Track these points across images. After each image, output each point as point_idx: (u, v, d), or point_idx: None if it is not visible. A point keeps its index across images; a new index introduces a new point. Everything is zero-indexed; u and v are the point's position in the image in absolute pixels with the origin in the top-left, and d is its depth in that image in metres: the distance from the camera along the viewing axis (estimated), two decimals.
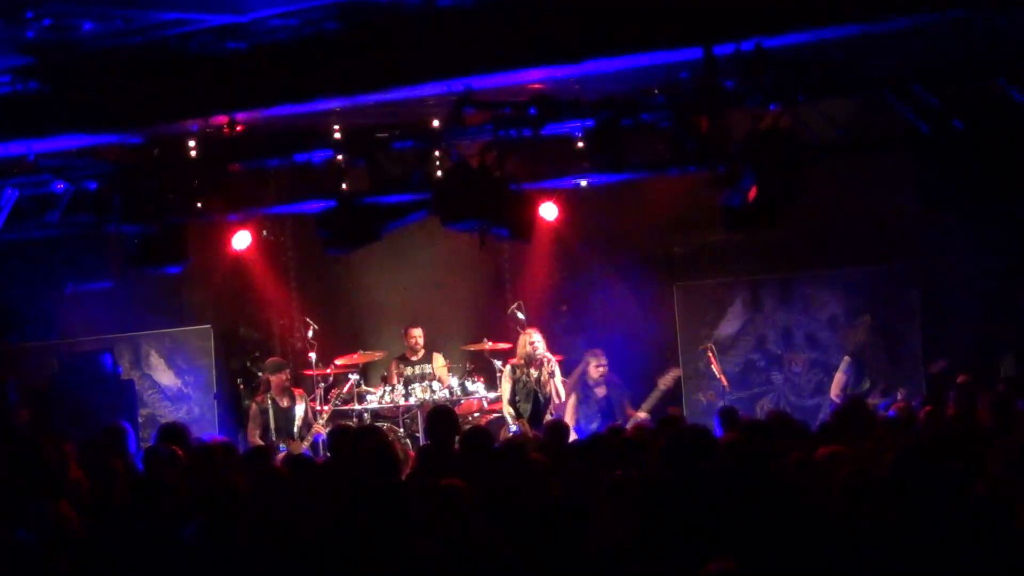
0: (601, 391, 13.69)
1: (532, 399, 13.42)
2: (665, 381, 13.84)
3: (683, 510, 6.11)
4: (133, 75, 9.74)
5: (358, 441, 8.38)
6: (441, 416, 8.96)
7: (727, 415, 9.64)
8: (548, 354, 13.49)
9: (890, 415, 10.35)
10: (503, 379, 13.80)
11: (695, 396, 14.55)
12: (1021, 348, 13.51)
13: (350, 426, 12.31)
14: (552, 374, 13.41)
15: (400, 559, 6.14)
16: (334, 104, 10.29)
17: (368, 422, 14.16)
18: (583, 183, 12.15)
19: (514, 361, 13.74)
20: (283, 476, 7.41)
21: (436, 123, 10.82)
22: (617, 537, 6.09)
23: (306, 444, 13.28)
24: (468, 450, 8.17)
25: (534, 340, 13.55)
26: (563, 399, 13.52)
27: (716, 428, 9.39)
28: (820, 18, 8.03)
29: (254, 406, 13.64)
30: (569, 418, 13.45)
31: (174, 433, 9.76)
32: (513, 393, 13.58)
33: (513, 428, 13.18)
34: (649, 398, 13.67)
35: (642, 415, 13.18)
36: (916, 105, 9.64)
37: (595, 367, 13.67)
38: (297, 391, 13.78)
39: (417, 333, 14.97)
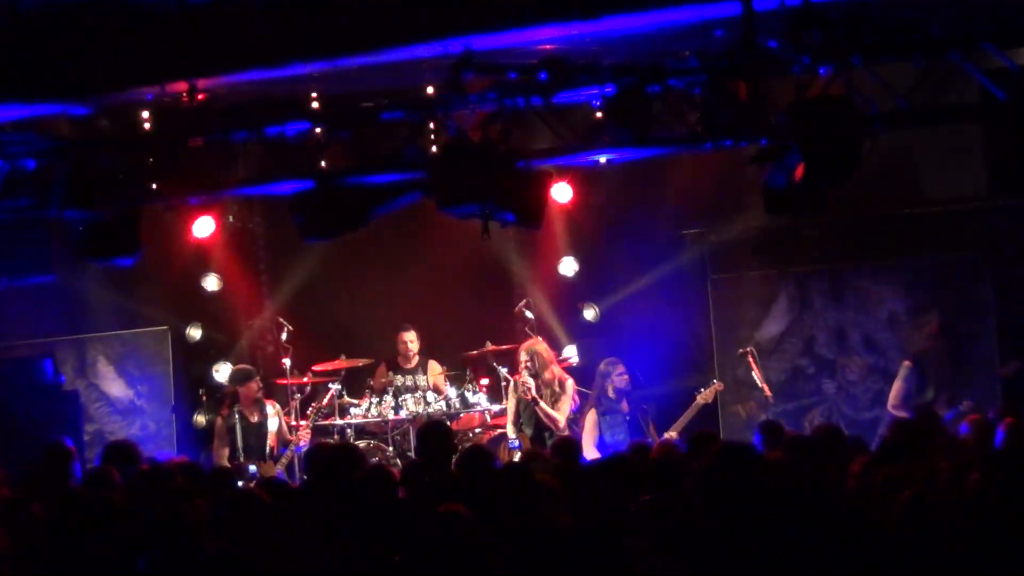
0: (625, 405, 13.64)
1: (534, 420, 13.39)
2: (705, 396, 13.73)
3: (724, 539, 6.13)
4: (79, 37, 9.75)
5: (339, 462, 8.39)
6: (434, 432, 8.96)
7: (770, 430, 9.62)
8: (528, 379, 13.33)
9: (962, 430, 10.33)
10: (509, 394, 13.76)
11: (733, 408, 14.55)
12: None
13: (328, 444, 12.34)
14: (534, 400, 13.27)
15: None
16: (312, 69, 10.29)
17: (351, 439, 14.18)
18: (602, 160, 12.14)
19: (518, 376, 13.67)
20: (253, 502, 7.43)
21: (431, 90, 10.82)
22: (646, 571, 6.10)
23: (280, 466, 13.28)
24: (465, 474, 8.19)
25: (524, 356, 13.49)
26: (560, 426, 13.30)
27: (757, 445, 9.39)
28: None
29: (220, 421, 13.64)
30: (590, 433, 13.41)
31: (122, 452, 9.76)
32: (518, 413, 13.49)
33: (514, 444, 13.17)
34: (682, 416, 13.57)
35: (672, 435, 13.16)
36: (988, 69, 9.64)
37: (618, 376, 13.60)
38: (269, 402, 13.78)
39: (409, 337, 14.98)
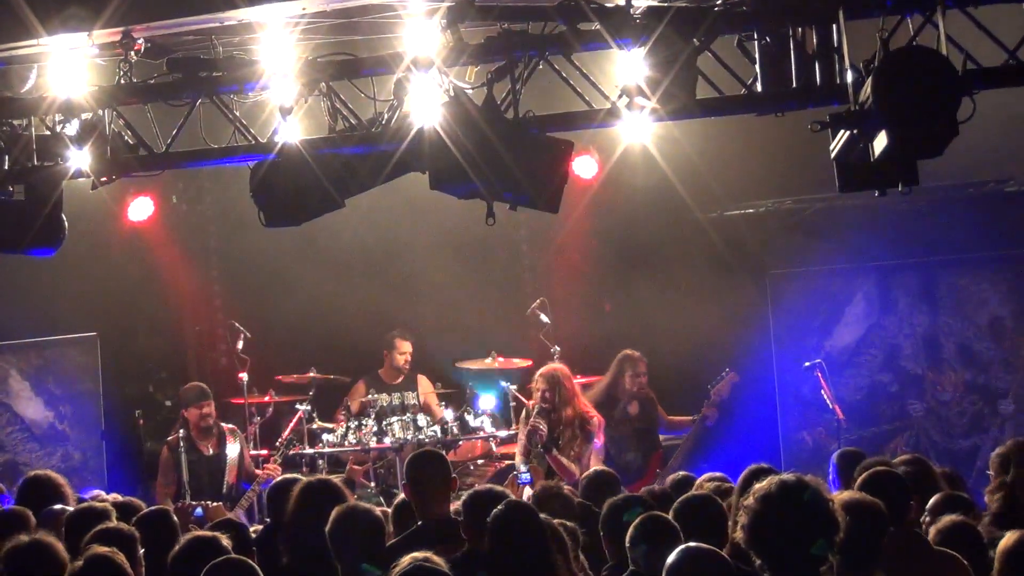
0: (634, 408, 13.56)
1: (547, 462, 13.24)
2: (719, 391, 13.63)
3: None
4: None
5: (314, 501, 8.40)
6: (427, 464, 8.97)
7: (850, 460, 9.51)
8: (541, 423, 13.14)
9: None
10: (520, 422, 13.66)
11: (797, 435, 14.54)
12: None
13: (298, 479, 12.33)
14: (547, 449, 13.10)
15: None
16: (275, 13, 10.29)
17: (323, 471, 14.17)
18: (635, 126, 12.14)
19: (533, 403, 13.52)
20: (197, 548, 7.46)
21: (423, 41, 10.81)
22: None
23: (241, 508, 13.25)
24: (471, 521, 8.19)
25: (542, 383, 13.33)
26: (577, 478, 13.08)
27: (832, 480, 9.36)
28: None
29: (165, 451, 13.60)
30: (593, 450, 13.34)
31: (43, 488, 9.77)
32: (528, 448, 13.33)
33: (524, 477, 13.08)
34: (684, 442, 13.49)
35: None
36: None
37: (631, 376, 13.52)
38: (228, 428, 13.72)
39: (408, 348, 14.96)
